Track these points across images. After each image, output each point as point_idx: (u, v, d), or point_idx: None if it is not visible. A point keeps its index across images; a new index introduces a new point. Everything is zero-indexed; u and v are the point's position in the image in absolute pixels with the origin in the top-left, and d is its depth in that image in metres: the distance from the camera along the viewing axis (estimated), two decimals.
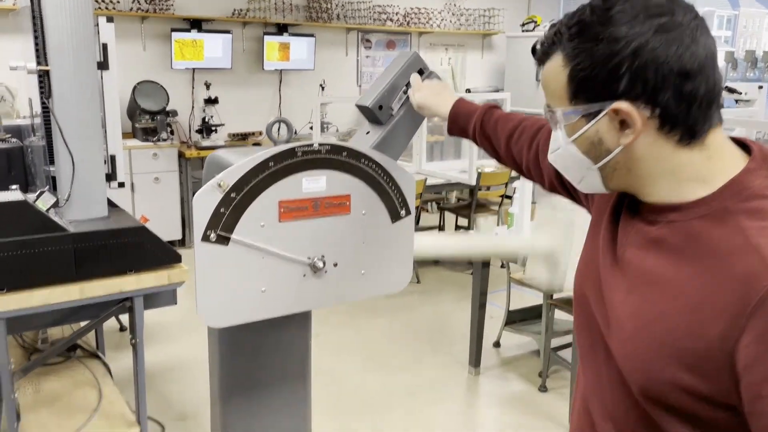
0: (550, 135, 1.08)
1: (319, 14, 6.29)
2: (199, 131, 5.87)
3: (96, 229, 2.18)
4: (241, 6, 5.91)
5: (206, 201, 1.23)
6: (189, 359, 3.57)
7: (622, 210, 0.85)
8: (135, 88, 5.28)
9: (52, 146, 2.23)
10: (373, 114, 1.40)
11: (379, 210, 1.43)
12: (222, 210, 1.25)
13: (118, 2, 5.32)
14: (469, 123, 1.24)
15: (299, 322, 1.62)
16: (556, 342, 3.43)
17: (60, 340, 2.92)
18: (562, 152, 0.83)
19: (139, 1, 5.42)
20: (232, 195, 1.25)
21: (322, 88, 6.53)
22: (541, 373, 3.36)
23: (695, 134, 0.75)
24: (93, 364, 2.88)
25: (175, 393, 3.23)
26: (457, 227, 5.86)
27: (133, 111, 5.35)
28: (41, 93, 2.20)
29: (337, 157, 1.35)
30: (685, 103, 0.73)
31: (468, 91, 7.05)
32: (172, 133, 5.43)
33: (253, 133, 6.01)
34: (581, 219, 1.46)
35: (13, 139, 2.77)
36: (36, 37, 2.17)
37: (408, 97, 1.39)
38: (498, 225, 3.51)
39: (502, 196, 5.32)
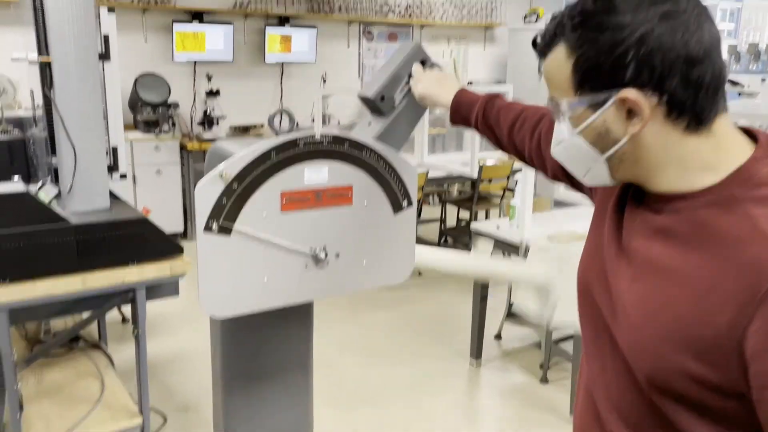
0: (552, 124, 1.08)
1: (321, 6, 6.27)
2: (201, 124, 5.87)
3: (98, 220, 2.18)
4: None
5: (208, 191, 1.23)
6: (191, 351, 3.58)
7: (627, 200, 0.84)
8: (137, 80, 5.27)
9: (54, 137, 2.23)
10: (375, 105, 1.40)
11: (381, 201, 1.43)
12: (224, 200, 1.25)
13: None
14: (471, 113, 1.23)
15: (301, 313, 1.63)
16: (557, 334, 3.43)
17: (63, 332, 2.93)
18: (568, 145, 0.83)
19: None
20: (233, 185, 1.25)
21: (324, 81, 6.52)
22: (542, 364, 3.36)
23: (702, 121, 0.75)
24: (95, 356, 2.89)
25: (177, 384, 3.24)
26: (459, 221, 5.86)
27: (135, 103, 5.34)
28: (43, 84, 2.20)
29: (339, 148, 1.35)
30: (693, 90, 0.73)
31: (470, 83, 7.03)
32: (173, 125, 5.43)
33: (255, 126, 6.00)
34: (575, 253, 1.47)
35: (15, 131, 2.78)
36: (37, 28, 2.17)
37: (410, 88, 1.39)
38: (500, 217, 3.51)
39: (504, 189, 5.31)
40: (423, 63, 1.41)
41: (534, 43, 0.84)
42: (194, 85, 5.89)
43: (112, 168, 2.41)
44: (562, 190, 4.23)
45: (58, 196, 2.27)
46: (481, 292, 3.46)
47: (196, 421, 2.91)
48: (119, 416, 2.41)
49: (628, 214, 0.83)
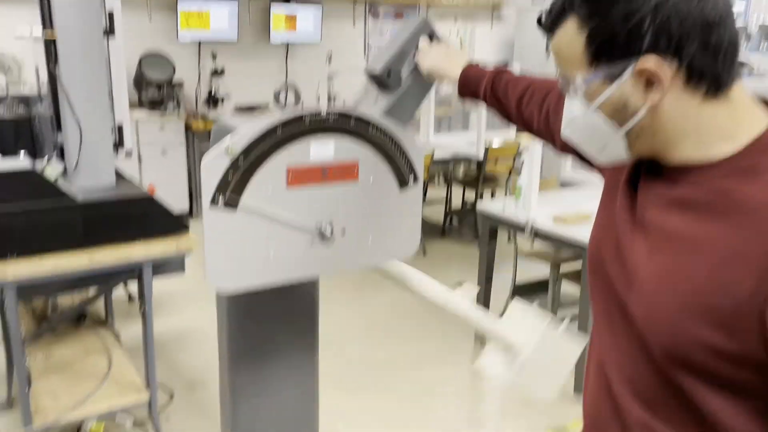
0: (561, 97, 1.07)
1: None
2: (206, 103, 5.85)
3: (104, 197, 2.19)
4: None
5: (214, 166, 1.23)
6: (197, 330, 3.61)
7: (641, 173, 0.84)
8: (141, 59, 5.25)
9: (60, 114, 2.23)
10: (381, 80, 1.39)
11: (387, 177, 1.42)
12: (230, 175, 1.24)
13: None
14: (479, 87, 1.23)
15: (307, 290, 1.63)
16: (562, 314, 3.44)
17: (70, 308, 2.95)
18: (581, 123, 0.81)
19: None
20: (239, 160, 1.25)
21: (329, 61, 6.48)
22: None
23: (721, 86, 0.74)
24: (103, 333, 2.91)
25: (184, 362, 3.27)
26: (464, 202, 5.85)
27: (140, 82, 5.33)
28: (48, 60, 2.20)
29: (345, 124, 1.34)
30: (711, 54, 0.72)
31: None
32: (178, 104, 5.42)
33: (260, 106, 5.98)
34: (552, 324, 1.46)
35: (21, 108, 2.77)
36: (42, 4, 2.16)
37: (417, 63, 1.38)
38: (505, 196, 3.50)
39: (510, 170, 5.29)
40: (430, 37, 1.40)
41: (539, 20, 0.83)
42: (199, 64, 5.86)
43: (118, 145, 2.41)
44: (568, 171, 4.21)
45: (64, 173, 2.28)
46: (486, 272, 3.46)
47: (203, 398, 2.94)
48: (127, 391, 2.43)
49: (642, 187, 0.82)
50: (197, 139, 5.47)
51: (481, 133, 4.92)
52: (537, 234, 3.07)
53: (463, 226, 5.78)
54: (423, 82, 1.41)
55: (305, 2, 6.12)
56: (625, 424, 0.83)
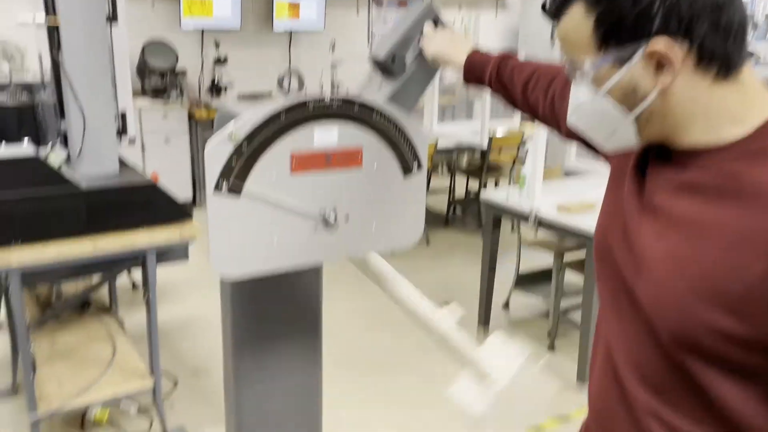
0: (566, 83, 1.06)
1: None
2: (209, 91, 5.84)
3: (108, 184, 2.19)
4: None
5: (218, 152, 1.23)
6: (200, 318, 3.62)
7: (649, 158, 0.83)
8: (144, 47, 5.24)
9: (63, 101, 2.23)
10: (386, 66, 1.38)
11: (391, 164, 1.42)
12: (233, 161, 1.24)
13: None
14: (484, 72, 1.22)
15: (310, 276, 1.63)
16: (565, 304, 3.44)
17: (74, 296, 2.96)
18: (590, 108, 0.80)
19: None
20: (243, 146, 1.24)
21: (333, 49, 6.45)
22: (550, 332, 3.38)
23: (731, 67, 0.73)
24: (107, 320, 2.92)
25: (188, 349, 3.29)
26: (467, 191, 5.84)
27: (143, 70, 5.32)
28: (51, 47, 2.19)
29: (349, 110, 1.34)
30: (722, 35, 0.72)
31: None
32: (181, 93, 5.41)
33: (263, 94, 5.97)
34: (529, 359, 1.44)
35: (24, 95, 2.77)
36: None
37: (422, 49, 1.37)
38: (509, 185, 3.50)
39: (513, 159, 5.27)
40: (435, 23, 1.38)
41: (544, 6, 0.82)
42: (202, 52, 5.84)
43: (121, 132, 2.41)
44: (572, 160, 4.20)
45: (68, 160, 2.28)
46: (490, 262, 3.46)
47: (207, 385, 2.95)
48: (131, 378, 2.44)
49: (650, 172, 0.82)
50: (200, 128, 5.47)
51: (485, 122, 4.90)
52: (541, 223, 3.07)
53: (467, 216, 5.78)
54: (427, 68, 1.40)
55: None
56: (632, 410, 0.83)
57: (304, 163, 1.32)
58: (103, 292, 3.25)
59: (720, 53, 0.72)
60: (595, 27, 0.75)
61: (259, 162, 1.27)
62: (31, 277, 2.09)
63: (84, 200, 2.10)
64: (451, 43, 1.30)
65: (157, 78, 5.30)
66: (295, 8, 6.06)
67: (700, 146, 0.76)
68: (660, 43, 0.72)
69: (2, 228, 1.99)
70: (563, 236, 3.23)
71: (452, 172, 5.61)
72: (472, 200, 5.76)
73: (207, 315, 3.58)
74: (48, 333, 2.76)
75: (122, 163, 2.40)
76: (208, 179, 1.23)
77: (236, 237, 1.29)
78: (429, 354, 3.32)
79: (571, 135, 1.08)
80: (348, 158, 1.36)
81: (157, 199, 2.22)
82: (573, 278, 3.48)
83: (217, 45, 5.83)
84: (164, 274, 2.35)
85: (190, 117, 5.44)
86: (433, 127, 5.16)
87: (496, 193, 3.40)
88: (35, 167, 2.19)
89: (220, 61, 5.86)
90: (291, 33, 6.21)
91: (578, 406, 2.86)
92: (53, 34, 2.17)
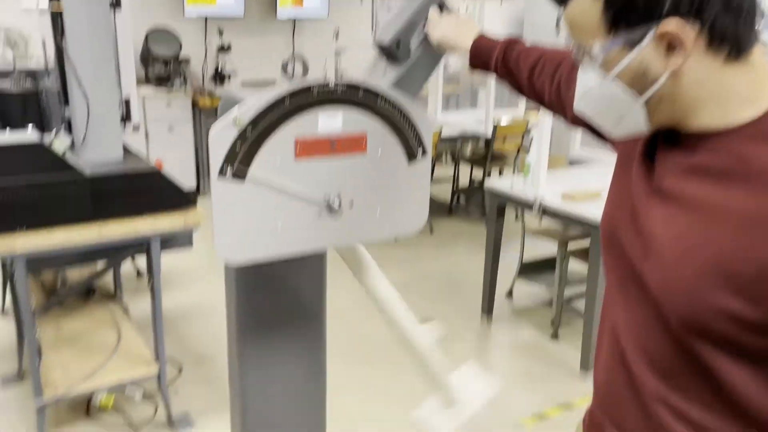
0: (573, 68, 1.05)
1: None
2: (213, 79, 5.82)
3: (112, 171, 2.19)
4: None
5: (222, 137, 1.22)
6: (205, 305, 3.63)
7: (657, 143, 0.82)
8: (147, 34, 5.22)
9: (67, 87, 2.23)
10: (390, 52, 1.37)
11: (395, 150, 1.41)
12: (238, 146, 1.24)
13: None
14: (490, 58, 1.21)
15: (315, 263, 1.63)
16: (569, 292, 3.44)
17: (79, 282, 2.98)
18: (598, 93, 0.80)
19: None
20: (247, 131, 1.24)
21: (337, 37, 6.42)
22: (554, 321, 3.38)
23: (742, 48, 0.73)
24: (112, 306, 2.94)
25: (192, 337, 3.30)
26: (471, 181, 5.83)
27: (146, 58, 5.31)
28: (55, 33, 2.18)
29: (353, 96, 1.33)
30: (733, 15, 0.71)
31: None
32: (185, 81, 5.40)
33: (267, 83, 5.95)
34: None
35: (28, 81, 2.77)
36: None
37: (427, 34, 1.36)
38: (513, 174, 3.49)
39: (518, 148, 5.26)
40: (440, 8, 1.37)
41: None
42: (205, 40, 5.82)
43: (125, 119, 2.41)
44: (577, 149, 4.18)
45: (72, 146, 2.28)
46: (494, 250, 3.46)
47: (212, 371, 2.97)
48: (136, 364, 2.46)
49: (659, 157, 0.81)
50: (204, 116, 5.46)
51: (490, 110, 4.88)
52: (545, 211, 3.06)
53: (471, 205, 5.77)
54: (432, 54, 1.39)
55: None
56: (639, 396, 0.82)
57: (308, 148, 1.31)
58: (108, 279, 3.26)
59: (731, 34, 0.71)
60: (605, 10, 0.74)
61: (263, 147, 1.27)
62: (36, 263, 2.10)
63: (88, 186, 2.10)
64: (456, 28, 1.29)
65: (161, 66, 5.29)
66: None
67: (710, 129, 0.75)
68: (671, 24, 0.71)
69: (7, 214, 2.00)
70: (567, 225, 3.23)
71: (456, 161, 5.59)
72: (475, 189, 5.75)
73: (211, 302, 3.59)
74: (53, 319, 2.78)
75: (126, 150, 2.39)
76: (212, 164, 1.23)
77: (240, 222, 1.29)
78: None
79: (577, 121, 1.07)
80: (352, 144, 1.36)
81: (161, 186, 2.22)
82: (577, 267, 3.48)
83: (220, 33, 5.81)
84: (169, 261, 2.36)
85: (194, 105, 5.43)
86: (437, 116, 5.14)
87: (500, 182, 3.39)
88: (39, 153, 2.19)
89: (223, 49, 5.84)
90: (295, 21, 6.18)
91: (582, 394, 2.86)
92: (57, 20, 2.16)
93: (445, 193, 5.65)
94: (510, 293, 3.85)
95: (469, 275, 4.04)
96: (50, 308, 2.76)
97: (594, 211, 2.81)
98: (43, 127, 2.59)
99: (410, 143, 1.42)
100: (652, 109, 0.77)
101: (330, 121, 1.33)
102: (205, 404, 2.70)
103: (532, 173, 3.12)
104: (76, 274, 3.05)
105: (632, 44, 0.74)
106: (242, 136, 1.24)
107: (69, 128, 2.29)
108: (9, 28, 4.49)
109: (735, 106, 0.74)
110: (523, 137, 5.17)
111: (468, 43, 1.25)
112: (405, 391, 2.93)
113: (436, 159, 5.85)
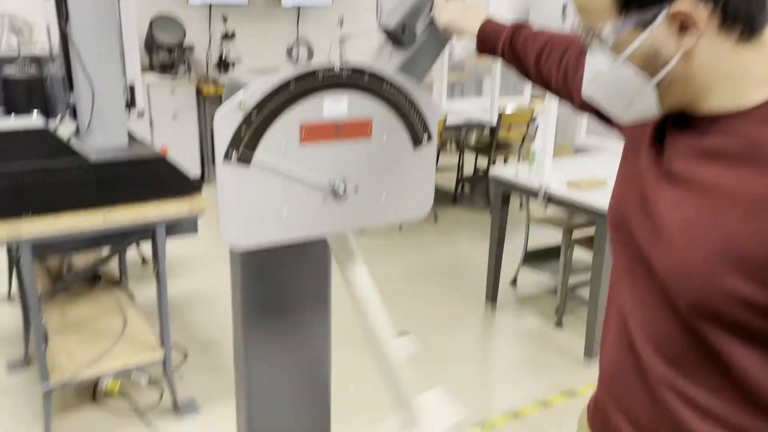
0: (580, 53, 1.04)
1: None
2: (217, 67, 5.81)
3: (117, 157, 2.19)
4: None
5: (227, 121, 1.22)
6: (210, 292, 3.64)
7: (666, 127, 0.81)
8: (152, 22, 5.21)
9: (72, 74, 2.22)
10: (396, 36, 1.36)
11: (400, 135, 1.40)
12: (243, 130, 1.23)
13: None
14: (497, 42, 1.20)
15: (320, 249, 1.63)
16: (573, 280, 3.44)
17: (85, 268, 2.99)
18: (609, 77, 0.79)
19: None
20: (252, 115, 1.24)
21: (341, 24, 6.39)
22: (558, 309, 3.38)
23: (755, 27, 0.72)
24: (117, 293, 2.95)
25: (197, 324, 3.31)
26: (476, 169, 5.81)
27: (150, 45, 5.29)
28: (59, 19, 2.18)
29: (358, 81, 1.32)
30: None
31: None
32: (189, 68, 5.39)
33: (272, 70, 5.94)
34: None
35: (33, 67, 2.77)
36: None
37: (433, 18, 1.35)
38: (518, 162, 3.47)
39: (523, 137, 5.24)
40: None
41: None
42: (210, 27, 5.80)
43: (130, 105, 2.41)
44: (582, 137, 4.16)
45: (77, 132, 2.28)
46: (498, 238, 3.45)
47: (217, 357, 2.98)
48: (142, 350, 2.47)
49: (669, 140, 0.80)
50: (208, 104, 5.45)
51: (495, 99, 4.87)
52: (550, 199, 3.05)
53: (475, 193, 5.76)
54: (438, 38, 1.38)
55: None
56: (646, 380, 0.82)
57: (313, 133, 1.31)
58: (113, 265, 3.27)
59: (743, 13, 0.71)
60: None
61: (268, 131, 1.26)
62: (41, 249, 2.10)
63: (93, 172, 2.10)
64: (463, 13, 1.28)
65: (165, 53, 5.28)
66: None
67: (721, 111, 0.74)
68: (684, 3, 0.70)
69: (13, 200, 2.00)
70: (572, 213, 3.22)
71: (461, 149, 5.58)
72: (480, 178, 5.73)
73: (216, 288, 3.61)
74: (59, 305, 2.79)
75: (131, 136, 2.39)
76: (217, 148, 1.23)
77: (245, 207, 1.29)
78: (437, 330, 3.34)
79: (584, 107, 1.07)
80: (358, 129, 1.35)
81: (166, 172, 2.23)
82: (581, 255, 3.48)
83: (224, 20, 5.79)
84: (174, 248, 2.37)
85: (198, 93, 5.42)
86: (442, 104, 5.12)
87: (505, 170, 3.38)
88: (45, 139, 2.19)
89: (227, 37, 5.82)
90: (299, 8, 6.15)
91: (585, 382, 2.87)
92: (61, 6, 2.15)
93: (449, 181, 5.64)
94: (514, 281, 3.85)
95: (474, 263, 4.04)
96: (56, 294, 2.77)
97: (599, 199, 2.80)
98: (48, 113, 2.59)
99: (416, 128, 1.42)
100: (663, 92, 0.76)
101: (335, 105, 1.32)
102: (211, 390, 2.71)
103: (537, 161, 3.11)
104: (81, 260, 3.06)
105: (644, 25, 0.73)
106: (247, 120, 1.23)
107: (74, 114, 2.29)
108: (13, 14, 4.47)
109: (747, 87, 0.73)
110: (528, 125, 5.15)
111: (475, 28, 1.24)
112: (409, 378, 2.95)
113: (441, 147, 5.83)
